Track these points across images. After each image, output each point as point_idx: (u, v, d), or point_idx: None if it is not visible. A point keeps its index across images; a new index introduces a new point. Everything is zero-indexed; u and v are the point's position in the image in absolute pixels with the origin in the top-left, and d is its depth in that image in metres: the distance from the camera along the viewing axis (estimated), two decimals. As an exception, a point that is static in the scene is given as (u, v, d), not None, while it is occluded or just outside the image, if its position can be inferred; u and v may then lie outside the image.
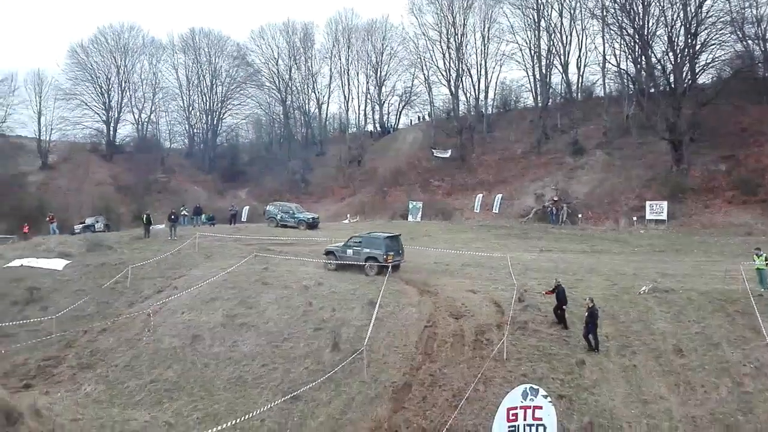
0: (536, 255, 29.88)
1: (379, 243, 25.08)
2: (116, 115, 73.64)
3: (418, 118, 74.56)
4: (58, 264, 28.36)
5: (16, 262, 28.64)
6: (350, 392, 16.36)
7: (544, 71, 59.03)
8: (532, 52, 59.28)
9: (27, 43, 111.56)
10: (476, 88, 64.37)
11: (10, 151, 68.66)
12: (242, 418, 15.00)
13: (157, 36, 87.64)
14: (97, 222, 46.68)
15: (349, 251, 25.39)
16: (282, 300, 21.46)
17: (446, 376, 16.62)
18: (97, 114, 72.99)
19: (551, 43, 57.46)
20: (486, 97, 65.58)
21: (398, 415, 15.34)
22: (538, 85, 60.48)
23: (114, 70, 73.00)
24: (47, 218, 43.49)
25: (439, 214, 48.93)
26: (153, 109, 75.93)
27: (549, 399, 12.14)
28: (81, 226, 46.01)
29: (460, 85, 63.73)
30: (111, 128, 73.54)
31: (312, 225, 39.12)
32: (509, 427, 11.90)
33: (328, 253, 26.20)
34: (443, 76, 64.48)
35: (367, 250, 24.99)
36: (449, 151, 60.39)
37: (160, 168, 70.37)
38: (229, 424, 14.89)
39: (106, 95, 72.69)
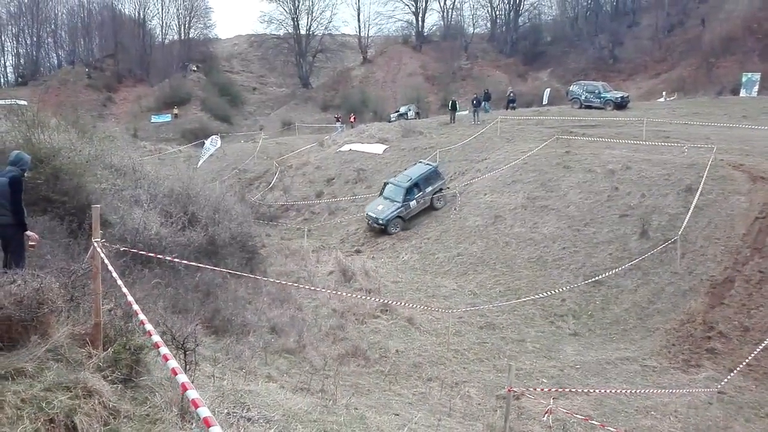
0: None
1: (438, 173, 23.75)
2: (424, 5, 76.83)
3: (764, -32, 60.63)
4: (378, 149, 31.80)
5: (346, 147, 33.02)
6: (659, 282, 15.30)
7: None
8: None
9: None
10: None
11: (337, 48, 77.69)
12: (542, 295, 15.37)
13: None
14: (409, 110, 50.42)
15: (413, 202, 22.67)
16: (584, 184, 20.62)
17: (781, 274, 14.28)
18: (407, 5, 77.15)
19: None
20: None
21: (716, 310, 13.87)
22: None
23: (421, -42, 75.26)
24: (336, 117, 49.25)
25: (783, 88, 40.32)
26: (457, -7, 76.93)
27: None
28: (395, 114, 50.42)
29: None
30: (419, 19, 77.26)
31: (620, 105, 35.85)
32: None
33: (390, 222, 22.27)
34: None
35: (430, 188, 23.08)
36: (804, 6, 48.29)
37: (464, 55, 72.00)
38: (529, 298, 15.45)
39: (414, -16, 75.97)
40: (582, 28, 68.87)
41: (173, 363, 2.72)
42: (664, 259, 15.84)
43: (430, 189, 23.03)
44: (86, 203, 10.32)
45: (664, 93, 46.26)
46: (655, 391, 11.10)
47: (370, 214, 23.17)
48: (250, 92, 76.35)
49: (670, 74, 53.53)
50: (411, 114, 49.00)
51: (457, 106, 38.32)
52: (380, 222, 22.53)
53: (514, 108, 40.91)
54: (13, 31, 77.36)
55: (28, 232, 6.53)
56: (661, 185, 19.14)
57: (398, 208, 22.48)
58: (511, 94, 44.52)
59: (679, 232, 15.87)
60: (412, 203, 22.63)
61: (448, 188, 23.81)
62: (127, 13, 79.95)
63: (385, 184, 24.08)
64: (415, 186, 22.86)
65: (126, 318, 4.87)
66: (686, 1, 62.30)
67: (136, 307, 3.93)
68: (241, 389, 6.17)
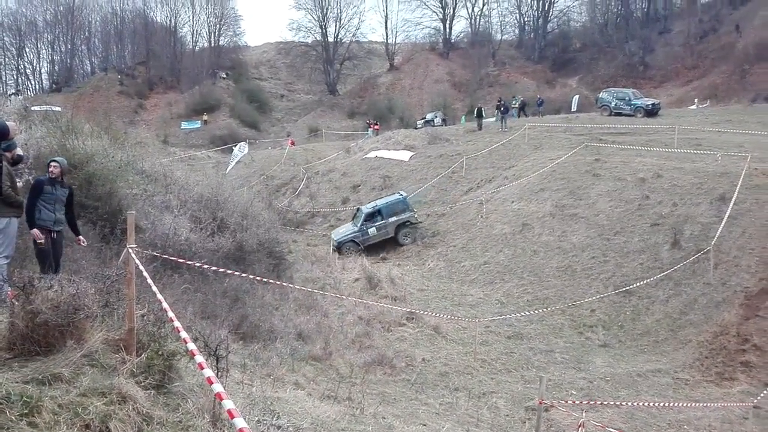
0: None
1: (405, 204, 22.58)
2: (451, 12, 76.87)
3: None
4: (404, 155, 31.81)
5: (372, 154, 33.10)
6: (692, 293, 14.97)
7: None
8: None
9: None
10: None
11: (364, 55, 78.11)
12: (571, 305, 15.17)
13: None
14: (436, 117, 50.38)
15: (372, 230, 22.20)
16: (614, 192, 20.32)
17: (818, 286, 13.87)
18: (435, 12, 77.23)
19: None
20: None
21: (750, 322, 13.48)
22: None
23: (450, -37, 75.17)
24: (367, 123, 50.31)
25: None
26: (485, 1, 76.76)
27: None
28: (422, 121, 50.43)
29: None
30: (447, 26, 77.21)
31: (651, 112, 35.28)
32: None
33: (343, 244, 22.22)
34: None
35: (394, 218, 22.28)
36: None
37: (491, 62, 71.70)
38: (557, 308, 15.25)
39: (442, -9, 76.00)
40: (612, 35, 68.00)
41: (209, 372, 2.73)
42: (696, 270, 15.50)
43: (393, 219, 22.40)
44: (118, 208, 10.51)
45: (696, 100, 45.43)
46: (687, 404, 10.84)
47: (331, 234, 23.60)
48: (278, 99, 77.04)
49: (703, 81, 52.54)
50: (437, 121, 48.96)
51: (483, 113, 38.16)
52: (334, 243, 22.63)
53: (526, 115, 40.49)
54: (49, 38, 79.46)
55: (33, 230, 6.69)
56: (693, 194, 18.78)
57: (354, 233, 22.51)
58: (539, 100, 44.24)
59: (712, 242, 15.53)
60: (371, 230, 22.30)
61: (421, 222, 23.29)
62: (159, 21, 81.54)
63: (358, 209, 24.12)
64: (377, 213, 22.50)
65: (159, 324, 4.92)
66: (719, 8, 61.14)
67: (171, 314, 3.97)
68: (270, 396, 6.18)
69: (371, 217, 22.45)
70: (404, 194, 23.82)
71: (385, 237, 22.47)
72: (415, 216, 22.96)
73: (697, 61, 56.92)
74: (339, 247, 22.21)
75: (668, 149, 23.48)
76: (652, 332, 14.32)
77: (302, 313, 12.99)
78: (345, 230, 23.26)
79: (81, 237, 7.39)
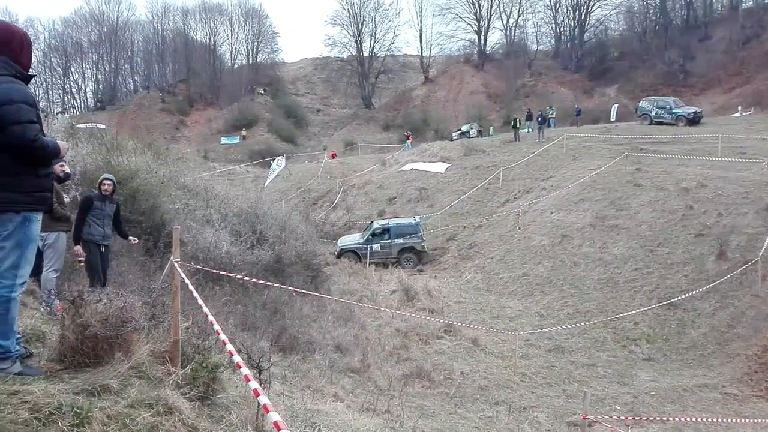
0: None
1: (416, 229, 22.06)
2: (486, 24, 76.74)
3: None
4: (440, 167, 31.76)
5: (408, 166, 33.14)
6: (739, 306, 14.50)
7: None
8: None
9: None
10: None
11: (399, 69, 78.59)
12: (614, 318, 14.86)
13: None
14: (471, 129, 50.22)
15: (376, 246, 21.88)
16: (657, 203, 19.87)
17: None
18: (469, 25, 77.25)
19: None
20: None
21: (803, 337, 13.01)
22: None
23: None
24: (405, 135, 49.84)
25: None
26: (520, 12, 76.42)
27: None
28: (458, 132, 50.35)
29: None
30: (481, 37, 77.06)
31: (693, 120, 34.47)
32: None
33: (344, 252, 22.40)
34: None
35: (401, 241, 21.82)
36: None
37: (527, 72, 71.21)
38: (599, 321, 14.94)
39: (476, 4, 75.96)
40: (651, 43, 66.74)
41: (254, 384, 2.77)
42: (743, 282, 15.03)
43: (400, 241, 22.22)
44: (161, 222, 10.76)
45: (739, 108, 44.18)
46: (736, 420, 10.45)
47: (337, 242, 23.83)
48: (315, 114, 78.00)
49: (746, 88, 51.09)
50: (473, 132, 48.77)
51: (519, 123, 37.84)
52: (336, 249, 22.92)
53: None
54: (93, 58, 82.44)
55: (76, 247, 6.89)
56: (739, 204, 18.25)
57: (357, 243, 22.61)
58: (577, 109, 43.59)
59: (760, 253, 15.06)
60: (375, 246, 22.16)
61: (427, 252, 22.79)
62: (198, 39, 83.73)
63: (371, 222, 24.29)
64: (385, 231, 22.48)
65: (202, 336, 5.00)
66: (762, 13, 59.49)
67: (217, 326, 4.04)
68: (310, 408, 6.21)
69: (379, 233, 22.52)
70: (418, 219, 23.86)
71: (387, 256, 22.29)
72: (423, 244, 22.59)
73: (739, 68, 55.45)
74: (340, 254, 22.41)
75: (712, 158, 22.88)
76: (699, 346, 13.90)
77: (340, 325, 13.01)
78: (351, 239, 23.45)
79: (131, 237, 7.64)
